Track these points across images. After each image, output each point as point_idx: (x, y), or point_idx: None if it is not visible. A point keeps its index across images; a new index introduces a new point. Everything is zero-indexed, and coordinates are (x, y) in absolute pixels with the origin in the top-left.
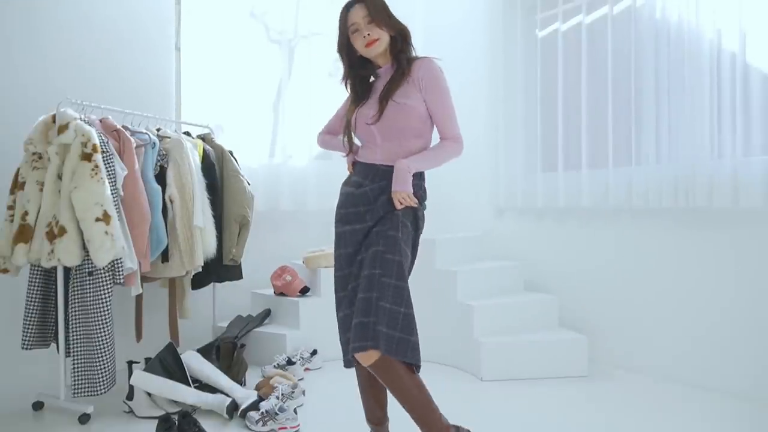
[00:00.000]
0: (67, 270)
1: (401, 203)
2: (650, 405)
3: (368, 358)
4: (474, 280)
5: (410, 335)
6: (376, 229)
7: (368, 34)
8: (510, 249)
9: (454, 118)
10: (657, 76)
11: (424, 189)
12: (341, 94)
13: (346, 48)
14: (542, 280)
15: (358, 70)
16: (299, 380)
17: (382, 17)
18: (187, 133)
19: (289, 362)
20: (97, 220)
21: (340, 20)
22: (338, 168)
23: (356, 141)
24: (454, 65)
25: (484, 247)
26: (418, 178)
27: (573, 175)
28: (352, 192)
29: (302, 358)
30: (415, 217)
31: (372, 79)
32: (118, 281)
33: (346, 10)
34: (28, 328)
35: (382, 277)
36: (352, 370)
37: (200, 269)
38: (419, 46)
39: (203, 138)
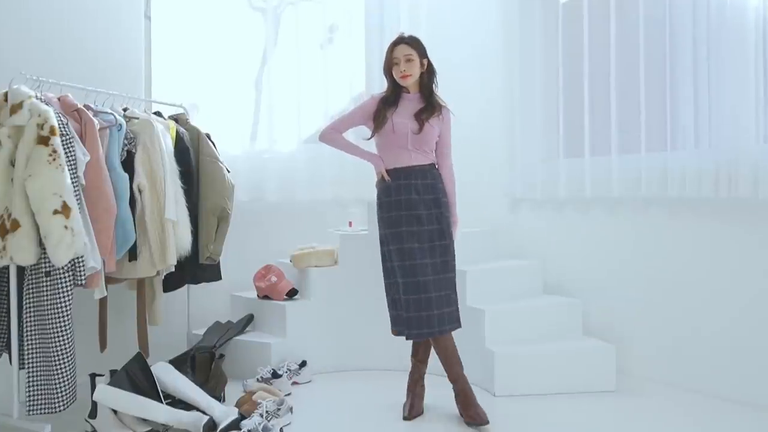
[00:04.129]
0: (20, 270)
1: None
2: (684, 422)
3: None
4: (486, 282)
5: None
6: (441, 227)
7: (404, 70)
8: (527, 246)
9: (451, 149)
10: (695, 48)
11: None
12: (334, 69)
13: (389, 72)
14: (564, 282)
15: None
16: (286, 395)
17: (418, 58)
18: (158, 113)
19: (275, 375)
20: (56, 212)
21: (387, 51)
22: (330, 154)
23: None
24: (463, 36)
25: (498, 244)
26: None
27: (601, 161)
28: (411, 198)
29: (289, 370)
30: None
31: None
32: (79, 282)
33: (393, 45)
34: None
35: (452, 263)
36: (345, 384)
37: (173, 269)
38: (423, 15)
39: (176, 119)
